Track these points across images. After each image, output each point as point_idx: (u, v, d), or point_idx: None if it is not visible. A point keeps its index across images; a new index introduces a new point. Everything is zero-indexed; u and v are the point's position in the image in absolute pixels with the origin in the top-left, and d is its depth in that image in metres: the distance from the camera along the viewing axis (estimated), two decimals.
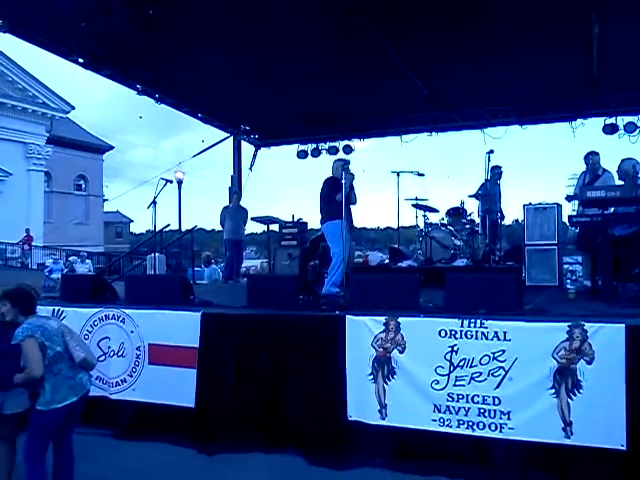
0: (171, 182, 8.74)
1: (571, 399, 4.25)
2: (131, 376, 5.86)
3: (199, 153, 13.44)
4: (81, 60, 8.67)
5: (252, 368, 5.29)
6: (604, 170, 7.97)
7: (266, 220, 10.04)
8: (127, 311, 5.91)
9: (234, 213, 11.27)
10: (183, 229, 11.57)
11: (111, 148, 36.97)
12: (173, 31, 7.78)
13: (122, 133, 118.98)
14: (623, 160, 7.17)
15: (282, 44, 8.26)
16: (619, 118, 11.20)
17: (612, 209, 6.34)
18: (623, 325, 4.17)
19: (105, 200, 37.09)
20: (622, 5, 7.05)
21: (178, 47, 8.40)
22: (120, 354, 5.94)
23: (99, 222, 36.57)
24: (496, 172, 10.40)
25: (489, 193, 9.98)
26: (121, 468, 4.96)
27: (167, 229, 11.62)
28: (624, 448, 4.06)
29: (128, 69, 9.38)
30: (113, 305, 6.16)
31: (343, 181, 7.10)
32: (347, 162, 7.70)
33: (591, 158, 8.14)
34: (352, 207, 7.63)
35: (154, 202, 8.06)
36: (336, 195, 7.14)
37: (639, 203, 6.07)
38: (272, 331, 5.29)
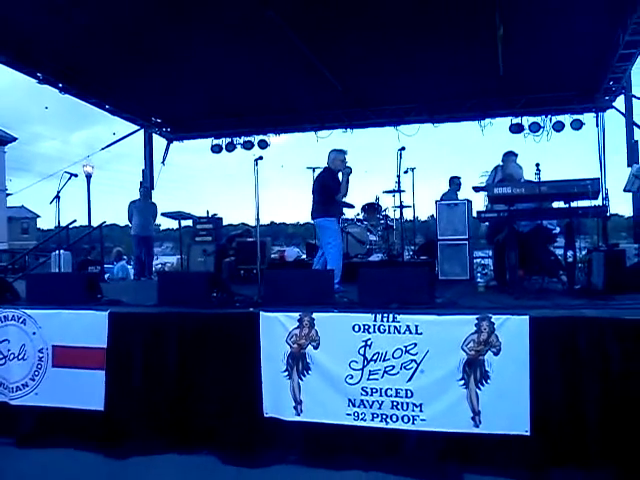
0: (76, 176, 8.31)
1: (479, 389, 4.37)
2: (33, 380, 5.52)
3: (107, 146, 13.00)
4: None
5: (163, 368, 5.11)
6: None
7: (177, 215, 9.78)
8: (28, 312, 5.55)
9: (142, 208, 10.91)
10: (93, 224, 11.12)
11: (14, 139, 35.07)
12: (78, 17, 7.43)
13: (28, 124, 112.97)
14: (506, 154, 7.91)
15: (194, 35, 8.07)
16: (524, 118, 11.77)
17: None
18: (527, 317, 4.32)
19: (8, 194, 35.16)
20: (525, 9, 7.36)
21: (83, 34, 8.02)
22: (21, 357, 5.57)
23: (2, 217, 34.68)
24: (456, 182, 10.30)
25: None
26: (23, 477, 4.68)
27: (77, 225, 11.14)
28: (528, 433, 4.22)
29: (28, 56, 8.83)
30: (12, 305, 5.79)
31: (340, 175, 7.34)
32: (344, 152, 7.64)
33: (508, 158, 8.46)
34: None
35: (57, 197, 7.64)
36: (334, 191, 7.35)
37: (542, 200, 6.36)
38: (183, 329, 5.11)
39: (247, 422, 4.88)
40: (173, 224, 10.73)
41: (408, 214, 10.93)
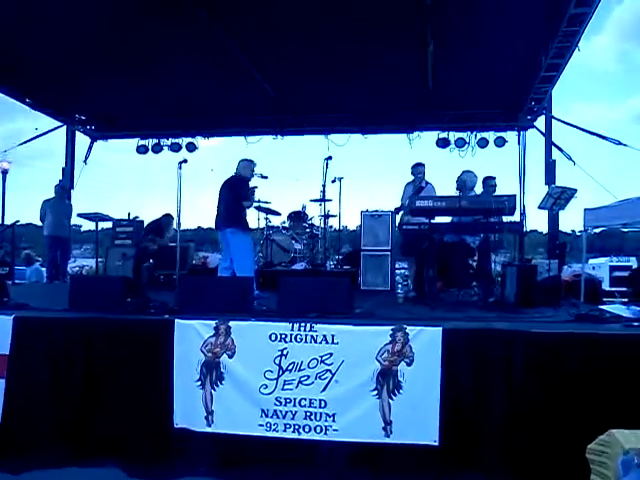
0: None
1: (392, 399, 4.40)
2: None
3: (26, 142, 12.41)
4: None
5: (68, 376, 4.85)
6: (427, 182, 8.52)
7: (94, 217, 9.39)
8: None
9: (56, 207, 10.40)
10: (7, 223, 10.58)
11: None
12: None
13: None
14: (464, 172, 7.87)
15: (121, 28, 7.78)
16: (451, 133, 12.06)
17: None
18: (440, 328, 4.39)
19: None
20: (454, 27, 7.56)
21: (5, 24, 7.63)
22: None
23: None
24: (490, 183, 8.42)
25: None
26: None
27: None
28: (436, 444, 4.28)
29: None
30: None
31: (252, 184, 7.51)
32: (255, 164, 7.82)
33: (416, 169, 8.66)
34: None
35: None
36: (246, 201, 7.39)
37: (462, 214, 6.52)
38: (92, 336, 4.89)
39: (156, 433, 4.72)
40: (94, 225, 10.28)
41: (335, 223, 10.98)
